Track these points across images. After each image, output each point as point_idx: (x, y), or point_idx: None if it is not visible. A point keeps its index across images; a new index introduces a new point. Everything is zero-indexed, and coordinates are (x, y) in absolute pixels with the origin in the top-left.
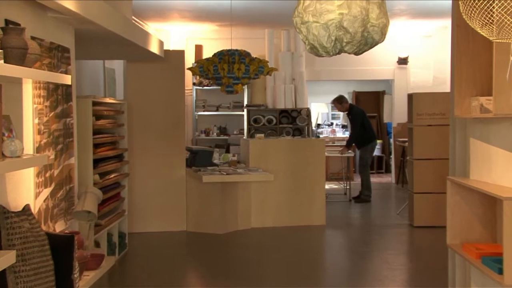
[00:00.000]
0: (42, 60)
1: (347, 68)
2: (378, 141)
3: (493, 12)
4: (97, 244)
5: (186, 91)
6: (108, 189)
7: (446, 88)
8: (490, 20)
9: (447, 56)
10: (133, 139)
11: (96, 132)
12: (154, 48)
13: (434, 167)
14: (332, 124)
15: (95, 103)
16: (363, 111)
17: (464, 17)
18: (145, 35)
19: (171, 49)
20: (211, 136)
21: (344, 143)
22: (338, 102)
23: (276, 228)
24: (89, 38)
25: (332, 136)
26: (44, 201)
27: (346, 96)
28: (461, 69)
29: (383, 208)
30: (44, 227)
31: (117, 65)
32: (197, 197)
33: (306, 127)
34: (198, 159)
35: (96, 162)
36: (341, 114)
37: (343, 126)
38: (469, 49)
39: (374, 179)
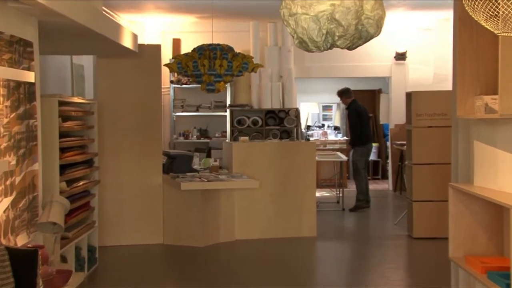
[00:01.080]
0: (1, 55)
1: (340, 64)
2: (374, 144)
3: (499, 4)
4: (63, 259)
5: (162, 90)
6: (76, 198)
7: (448, 86)
8: (495, 13)
9: (449, 51)
10: (104, 143)
11: (62, 135)
12: (127, 42)
13: (435, 172)
14: (323, 125)
15: (61, 103)
16: (358, 111)
17: (467, 9)
18: (117, 27)
19: (146, 43)
20: (191, 139)
21: (337, 146)
22: (339, 94)
23: (262, 240)
24: (54, 30)
25: (324, 139)
26: (4, 211)
27: None
28: (464, 65)
29: (379, 217)
30: (3, 241)
31: (86, 61)
32: (175, 207)
33: (295, 129)
34: (176, 165)
35: (63, 168)
36: (333, 114)
37: (336, 128)
38: (472, 43)
39: (370, 186)
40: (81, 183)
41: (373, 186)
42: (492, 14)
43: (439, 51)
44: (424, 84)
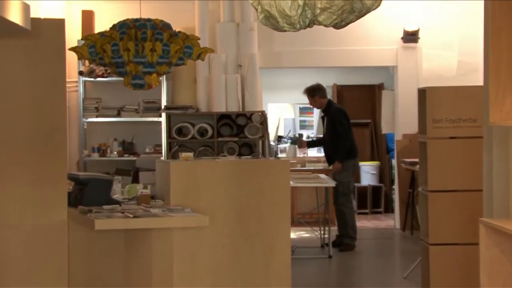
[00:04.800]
0: None
1: (324, 49)
2: (373, 163)
3: None
4: None
5: (68, 85)
6: None
7: (479, 79)
8: None
9: (479, 31)
10: None
11: None
12: (13, 15)
13: (460, 203)
14: (301, 136)
15: None
16: (345, 112)
17: None
18: None
19: (42, 17)
20: (109, 156)
21: (320, 166)
22: (310, 93)
23: None
24: None
25: (302, 155)
26: None
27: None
28: (499, 51)
29: (382, 267)
30: None
31: None
32: (86, 254)
33: (260, 142)
34: (88, 194)
35: None
36: (314, 120)
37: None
38: (511, 20)
39: (368, 223)
40: None
41: (372, 222)
42: None
43: (465, 30)
44: (445, 77)
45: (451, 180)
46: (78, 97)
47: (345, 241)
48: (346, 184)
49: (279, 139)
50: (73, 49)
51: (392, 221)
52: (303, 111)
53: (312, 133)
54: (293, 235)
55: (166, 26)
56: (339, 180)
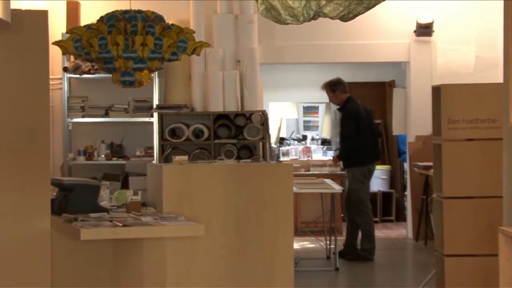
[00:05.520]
0: None
1: (330, 43)
2: (383, 168)
3: None
4: None
5: (51, 82)
6: None
7: (498, 75)
8: None
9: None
10: None
11: None
12: None
13: (477, 211)
14: (305, 138)
15: None
16: (359, 112)
17: None
18: None
19: (24, 8)
20: (96, 159)
21: (326, 170)
22: (331, 88)
23: None
24: None
25: (306, 158)
26: None
27: None
28: None
29: (393, 281)
30: None
31: None
32: (71, 266)
33: (261, 144)
34: (73, 201)
35: None
36: (320, 121)
37: (324, 142)
38: None
39: (378, 232)
40: None
41: (383, 232)
42: None
43: (484, 23)
44: (461, 73)
45: (468, 185)
46: (62, 96)
47: (359, 253)
48: (354, 192)
49: (281, 141)
50: (57, 43)
51: (404, 230)
52: (307, 110)
53: (317, 135)
54: (296, 245)
55: (158, 19)
56: (349, 188)
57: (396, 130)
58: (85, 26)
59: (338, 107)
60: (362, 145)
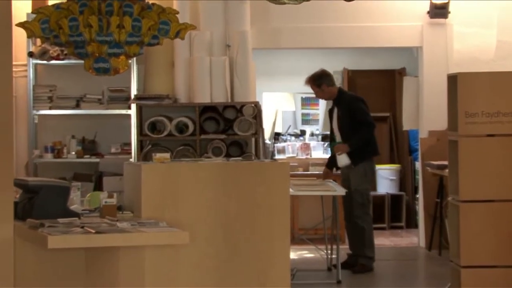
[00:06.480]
0: None
1: (332, 25)
2: (392, 167)
3: None
4: None
5: (14, 69)
6: None
7: None
8: None
9: None
10: None
11: None
12: None
13: (498, 216)
14: (303, 133)
15: None
16: (363, 100)
17: None
18: None
19: None
20: (66, 157)
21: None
22: (315, 82)
23: None
24: None
25: (305, 156)
26: None
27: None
28: None
29: None
30: None
31: None
32: (37, 278)
33: (253, 140)
34: (39, 204)
35: None
36: (320, 113)
37: (325, 138)
38: None
39: (386, 240)
40: None
41: (391, 240)
42: None
43: (508, 2)
44: (481, 60)
45: (488, 187)
46: (27, 84)
47: (360, 261)
48: (365, 192)
49: (276, 136)
50: (21, 24)
51: (416, 238)
52: (306, 102)
53: (317, 130)
54: (293, 255)
55: None
56: (355, 188)
57: (406, 125)
58: (53, 5)
59: (333, 101)
60: (373, 136)
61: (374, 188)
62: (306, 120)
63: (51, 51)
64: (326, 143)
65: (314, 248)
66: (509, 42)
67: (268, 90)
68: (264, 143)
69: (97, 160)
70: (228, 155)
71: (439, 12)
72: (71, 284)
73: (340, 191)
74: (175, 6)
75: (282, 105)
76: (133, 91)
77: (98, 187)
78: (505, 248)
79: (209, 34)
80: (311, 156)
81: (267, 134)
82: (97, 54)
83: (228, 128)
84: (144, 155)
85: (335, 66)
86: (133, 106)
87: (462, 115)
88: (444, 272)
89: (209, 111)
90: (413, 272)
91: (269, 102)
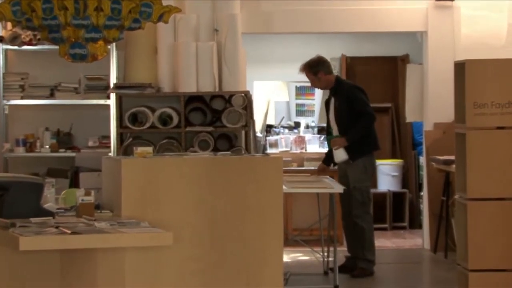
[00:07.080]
0: None
1: (329, 8)
2: (394, 162)
3: None
4: None
5: None
6: None
7: None
8: None
9: None
10: None
11: None
12: None
13: (509, 215)
14: (298, 125)
15: None
16: (363, 91)
17: None
18: None
19: None
20: (39, 151)
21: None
22: (311, 70)
23: None
24: None
25: (299, 151)
26: None
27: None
28: None
29: None
30: None
31: None
32: (8, 282)
33: (243, 133)
34: (9, 202)
35: None
36: (316, 104)
37: (322, 130)
38: None
39: (388, 242)
40: None
41: (393, 241)
42: None
43: None
44: (491, 46)
45: (497, 184)
46: None
47: (359, 264)
48: (365, 190)
49: (269, 129)
50: None
51: (420, 240)
52: (300, 91)
53: (313, 122)
54: (286, 258)
55: None
56: (354, 185)
57: (410, 117)
58: None
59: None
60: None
61: (374, 185)
62: (300, 111)
63: (23, 36)
64: (323, 136)
65: (309, 250)
66: None
67: (259, 78)
68: (255, 136)
69: (73, 154)
70: (215, 149)
71: None
72: (46, 286)
73: (338, 188)
74: None
75: (275, 95)
76: (112, 80)
77: (74, 183)
78: None
79: (195, 17)
80: (306, 150)
81: (258, 126)
82: (73, 39)
83: (215, 119)
84: (125, 149)
85: (333, 53)
86: (112, 95)
87: (470, 106)
88: (450, 276)
89: (195, 101)
90: (417, 277)
91: (260, 91)
